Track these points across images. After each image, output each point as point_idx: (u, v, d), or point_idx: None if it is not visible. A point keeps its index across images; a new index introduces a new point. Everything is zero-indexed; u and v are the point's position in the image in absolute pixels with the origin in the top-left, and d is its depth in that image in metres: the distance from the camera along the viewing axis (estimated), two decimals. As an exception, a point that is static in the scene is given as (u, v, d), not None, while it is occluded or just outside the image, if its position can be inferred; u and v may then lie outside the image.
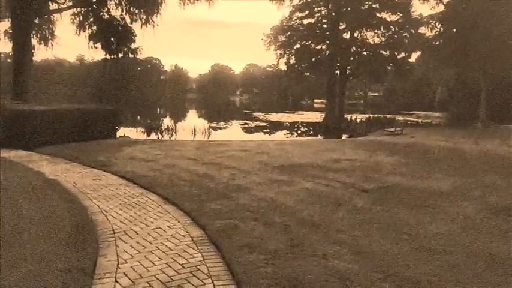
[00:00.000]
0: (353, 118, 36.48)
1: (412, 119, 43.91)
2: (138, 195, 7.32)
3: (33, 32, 22.46)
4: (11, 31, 21.49)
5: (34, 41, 22.99)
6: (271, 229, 5.40)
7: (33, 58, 23.86)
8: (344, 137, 25.83)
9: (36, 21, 21.95)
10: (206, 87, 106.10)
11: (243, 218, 5.85)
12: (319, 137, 27.11)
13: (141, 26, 23.88)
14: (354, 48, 38.01)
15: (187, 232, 5.37)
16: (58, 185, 7.92)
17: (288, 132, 29.94)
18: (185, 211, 6.27)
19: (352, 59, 37.65)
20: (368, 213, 6.27)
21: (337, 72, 38.94)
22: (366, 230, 5.49)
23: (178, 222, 5.80)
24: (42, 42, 23.93)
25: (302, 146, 15.58)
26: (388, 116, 39.40)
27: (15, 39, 19.85)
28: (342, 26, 37.84)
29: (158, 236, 5.21)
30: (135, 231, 5.40)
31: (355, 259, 4.46)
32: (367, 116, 39.73)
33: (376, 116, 38.48)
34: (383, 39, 38.01)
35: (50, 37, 24.12)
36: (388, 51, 37.66)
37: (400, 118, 40.13)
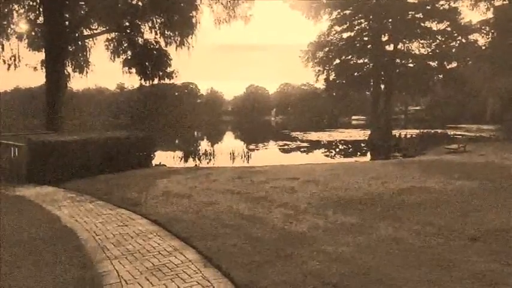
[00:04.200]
0: (402, 134, 33.65)
1: (463, 133, 40.38)
2: (172, 252, 5.66)
3: (68, 59, 21.95)
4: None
5: (69, 69, 22.53)
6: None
7: (73, 87, 23.41)
8: (396, 156, 23.33)
9: (70, 48, 21.43)
10: (241, 109, 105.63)
11: (319, 298, 4.02)
12: (365, 156, 24.80)
13: (176, 48, 22.95)
14: (398, 60, 35.71)
15: (240, 328, 3.60)
16: (73, 237, 6.42)
17: (326, 150, 27.98)
18: (234, 282, 4.52)
19: (397, 71, 35.34)
20: (504, 284, 4.27)
21: (382, 86, 36.68)
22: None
23: (226, 304, 4.05)
24: (77, 70, 23.46)
25: (356, 170, 13.55)
26: (438, 130, 36.19)
27: (48, 67, 19.27)
28: (385, 38, 35.82)
29: (197, 337, 3.47)
30: (165, 324, 3.70)
31: None
32: (415, 131, 36.67)
33: (426, 131, 35.36)
34: (429, 49, 35.61)
35: (84, 64, 23.63)
36: (436, 62, 35.18)
37: (451, 132, 36.83)
